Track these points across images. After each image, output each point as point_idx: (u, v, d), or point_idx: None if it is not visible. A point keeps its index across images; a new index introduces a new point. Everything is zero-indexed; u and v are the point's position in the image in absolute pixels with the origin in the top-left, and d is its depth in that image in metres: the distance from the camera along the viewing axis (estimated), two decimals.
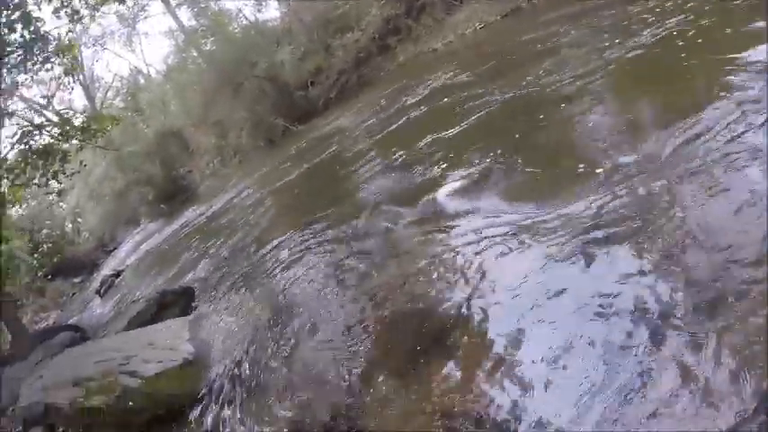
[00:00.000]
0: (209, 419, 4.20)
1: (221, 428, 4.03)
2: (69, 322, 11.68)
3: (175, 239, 13.01)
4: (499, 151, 5.60)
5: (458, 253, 4.22)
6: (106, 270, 15.95)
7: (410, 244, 4.89)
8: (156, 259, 12.38)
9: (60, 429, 4.82)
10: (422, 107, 9.53)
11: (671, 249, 3.07)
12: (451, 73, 10.46)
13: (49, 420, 4.88)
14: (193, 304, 6.67)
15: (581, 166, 4.44)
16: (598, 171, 4.23)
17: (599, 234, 3.51)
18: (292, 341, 4.53)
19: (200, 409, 4.37)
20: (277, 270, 6.22)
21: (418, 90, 10.77)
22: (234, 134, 17.63)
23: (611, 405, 2.39)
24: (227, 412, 4.15)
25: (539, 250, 3.69)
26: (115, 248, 19.94)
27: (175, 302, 6.69)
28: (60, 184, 12.06)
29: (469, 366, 3.10)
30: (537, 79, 7.10)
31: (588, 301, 3.02)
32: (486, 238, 4.19)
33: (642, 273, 3.03)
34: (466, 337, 3.33)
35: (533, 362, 2.85)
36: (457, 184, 5.45)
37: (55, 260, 20.79)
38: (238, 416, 4.04)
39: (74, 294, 17.43)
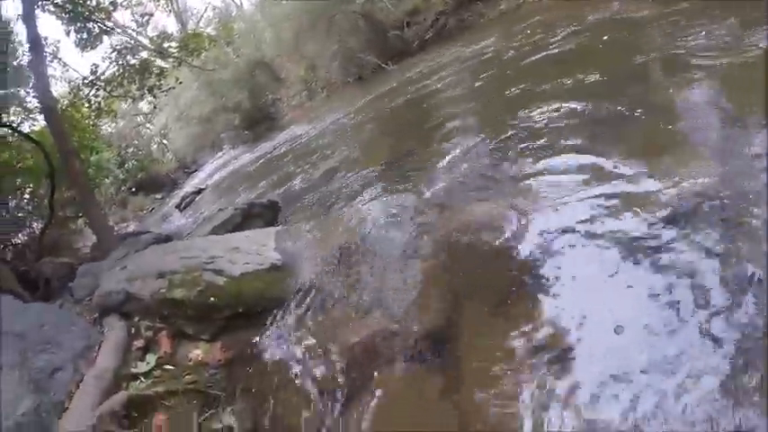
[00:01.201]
0: (290, 323, 4.00)
1: (303, 333, 3.82)
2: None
3: (258, 164, 12.93)
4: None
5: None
6: (187, 188, 16.23)
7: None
8: (238, 180, 12.38)
9: (137, 319, 4.72)
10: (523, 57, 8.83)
11: None
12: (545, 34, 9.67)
13: (128, 309, 4.79)
14: (279, 218, 6.43)
15: None
16: None
17: None
18: (378, 265, 4.28)
19: (282, 312, 4.15)
20: (363, 199, 6.00)
21: (515, 41, 10.07)
22: (324, 68, 17.31)
23: None
24: (309, 319, 3.96)
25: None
26: (196, 170, 20.36)
27: (261, 215, 6.50)
28: (156, 98, 12.22)
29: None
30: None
31: None
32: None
33: None
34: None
35: None
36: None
37: (139, 176, 21.53)
38: (322, 322, 3.86)
39: (153, 209, 17.94)
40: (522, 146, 5.24)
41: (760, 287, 2.59)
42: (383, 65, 15.45)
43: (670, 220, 3.27)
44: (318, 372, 3.36)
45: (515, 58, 9.05)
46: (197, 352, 4.13)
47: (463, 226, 4.24)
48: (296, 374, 3.44)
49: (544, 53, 8.39)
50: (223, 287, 4.31)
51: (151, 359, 4.12)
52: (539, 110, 5.86)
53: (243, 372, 3.70)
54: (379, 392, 3.05)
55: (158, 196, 19.81)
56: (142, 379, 3.86)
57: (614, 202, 3.68)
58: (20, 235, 11.47)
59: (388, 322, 3.47)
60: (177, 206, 13.60)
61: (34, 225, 12.11)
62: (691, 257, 2.95)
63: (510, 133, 5.67)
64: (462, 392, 2.80)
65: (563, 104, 5.73)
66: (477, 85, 8.75)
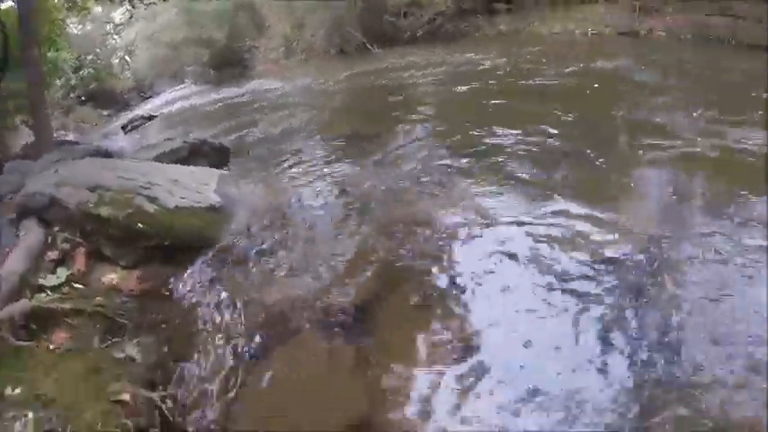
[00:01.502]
0: (215, 267, 3.93)
1: (226, 281, 3.77)
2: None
3: (218, 106, 12.54)
4: None
5: None
6: (138, 111, 15.58)
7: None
8: (193, 117, 11.97)
9: (56, 229, 4.49)
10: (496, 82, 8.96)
11: None
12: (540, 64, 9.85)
13: (50, 216, 4.54)
14: (226, 165, 6.27)
15: None
16: None
17: None
18: (311, 234, 4.37)
19: (209, 255, 4.06)
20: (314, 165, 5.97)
21: (507, 63, 10.21)
22: (310, 31, 16.95)
23: None
24: (235, 268, 3.91)
25: None
26: (151, 96, 19.55)
27: (208, 156, 6.29)
28: (134, 9, 11.65)
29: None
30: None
31: None
32: None
33: None
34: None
35: None
36: None
37: (91, 87, 20.49)
38: (247, 274, 3.83)
39: (96, 125, 17.14)
40: (484, 160, 5.30)
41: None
42: (369, 45, 15.28)
43: (601, 261, 3.41)
44: (232, 323, 3.29)
45: (503, 77, 9.17)
46: (112, 276, 3.97)
47: (402, 217, 4.29)
48: (209, 320, 3.36)
49: (533, 81, 8.54)
50: (154, 215, 4.15)
51: (62, 274, 3.91)
52: (511, 131, 5.94)
53: (155, 306, 3.58)
54: (289, 354, 3.03)
55: (105, 113, 18.88)
56: (48, 293, 3.66)
57: (554, 233, 3.79)
58: None
59: (313, 287, 3.49)
60: (123, 127, 13.01)
61: None
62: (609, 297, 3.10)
63: (475, 144, 5.73)
64: (374, 373, 2.83)
65: (533, 132, 5.83)
66: (458, 90, 8.79)
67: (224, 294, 3.56)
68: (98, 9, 18.99)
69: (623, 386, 2.53)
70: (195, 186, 4.74)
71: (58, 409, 2.47)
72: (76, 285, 3.80)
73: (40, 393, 2.61)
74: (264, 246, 4.09)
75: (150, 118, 13.28)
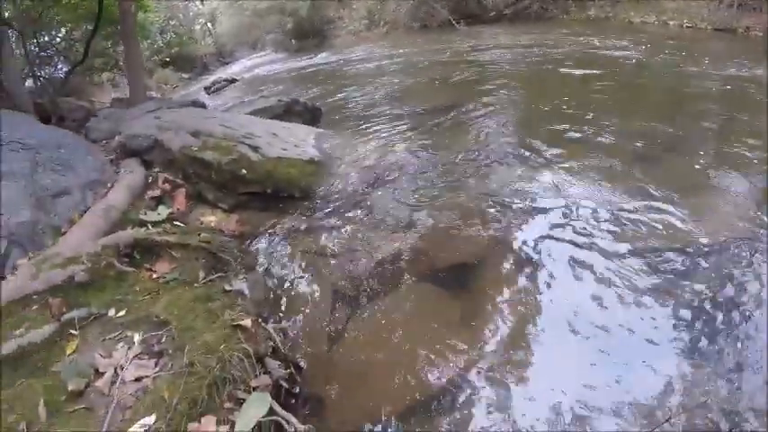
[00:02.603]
0: (317, 217, 3.89)
1: (329, 231, 3.72)
2: None
3: (299, 73, 12.55)
4: None
5: None
6: (219, 75, 15.83)
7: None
8: (275, 82, 12.01)
9: (157, 170, 4.53)
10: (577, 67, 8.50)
11: None
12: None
13: (151, 157, 4.60)
14: (317, 125, 6.20)
15: None
16: None
17: None
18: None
19: (310, 204, 4.03)
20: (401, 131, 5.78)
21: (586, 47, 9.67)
22: (393, 4, 16.73)
23: None
24: (338, 218, 3.84)
25: None
26: (231, 62, 19.83)
27: (301, 115, 6.26)
28: None
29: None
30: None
31: None
32: None
33: None
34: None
35: None
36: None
37: (174, 50, 20.97)
38: (350, 225, 3.76)
39: (177, 87, 17.52)
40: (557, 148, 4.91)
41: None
42: (454, 22, 14.94)
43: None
44: (336, 270, 3.22)
45: (589, 63, 8.70)
46: (211, 218, 3.98)
47: (481, 195, 4.09)
48: (312, 268, 3.30)
49: (617, 69, 8.07)
50: (256, 162, 4.15)
51: (163, 211, 3.95)
52: (587, 124, 5.49)
53: (256, 249, 3.55)
54: (395, 302, 2.98)
55: (186, 75, 19.30)
56: (150, 227, 3.68)
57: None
58: (44, 71, 11.26)
59: (418, 242, 3.42)
60: (206, 88, 13.22)
61: (60, 67, 11.90)
62: None
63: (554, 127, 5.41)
64: (476, 327, 2.76)
65: (613, 126, 5.42)
66: (540, 71, 8.40)
67: (325, 242, 3.48)
68: None
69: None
70: (294, 141, 4.70)
71: (172, 330, 2.44)
72: (177, 223, 3.81)
73: (150, 315, 2.60)
74: (367, 198, 4.01)
75: (233, 81, 13.43)
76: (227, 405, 2.14)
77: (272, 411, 2.12)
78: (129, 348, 2.43)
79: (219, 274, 3.01)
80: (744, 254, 3.10)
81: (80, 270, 2.90)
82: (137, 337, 2.50)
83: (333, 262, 3.32)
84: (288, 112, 6.15)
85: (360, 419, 2.35)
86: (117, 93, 13.69)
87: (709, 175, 4.14)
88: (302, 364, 2.56)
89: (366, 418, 2.35)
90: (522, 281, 3.09)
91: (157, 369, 2.29)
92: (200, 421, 2.05)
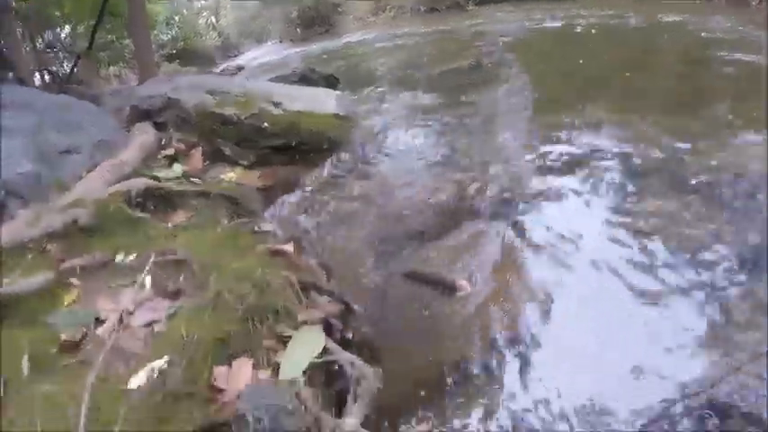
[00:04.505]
0: (347, 168, 3.64)
1: (359, 181, 3.45)
2: None
3: (309, 57, 12.25)
4: None
5: None
6: (227, 64, 15.59)
7: None
8: (285, 67, 11.68)
9: (170, 131, 4.25)
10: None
11: None
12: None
13: (164, 118, 4.33)
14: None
15: None
16: None
17: None
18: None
19: (338, 157, 3.75)
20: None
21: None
22: None
23: None
24: (367, 170, 3.60)
25: None
26: (237, 55, 19.60)
27: (318, 83, 5.97)
28: None
29: None
30: None
31: None
32: None
33: None
34: None
35: None
36: None
37: (179, 44, 20.75)
38: (379, 178, 3.50)
39: None
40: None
41: None
42: (463, 1, 14.62)
43: None
44: (375, 217, 2.93)
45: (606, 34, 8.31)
46: (231, 174, 3.69)
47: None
48: (349, 216, 3.01)
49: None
50: (278, 116, 3.88)
51: (178, 168, 3.66)
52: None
53: (284, 200, 3.27)
54: (438, 247, 2.68)
55: (193, 69, 19.09)
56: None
57: None
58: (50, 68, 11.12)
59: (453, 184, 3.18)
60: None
61: (66, 64, 11.76)
62: None
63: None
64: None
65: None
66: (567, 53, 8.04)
67: (360, 190, 3.20)
68: None
69: None
70: (314, 100, 4.42)
71: (192, 267, 2.10)
72: (193, 179, 3.52)
73: (165, 255, 2.26)
74: (392, 151, 3.77)
75: (240, 69, 13.18)
76: (267, 343, 1.77)
77: (326, 351, 1.73)
78: (138, 292, 2.09)
79: (244, 219, 2.70)
80: None
81: (84, 213, 2.58)
82: (148, 280, 2.16)
83: (370, 209, 3.03)
84: (304, 80, 5.87)
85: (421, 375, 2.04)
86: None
87: None
88: (354, 306, 2.20)
89: (425, 374, 2.04)
90: (566, 220, 2.80)
91: (173, 307, 1.95)
92: (230, 364, 1.68)
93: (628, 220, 2.77)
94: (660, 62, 6.06)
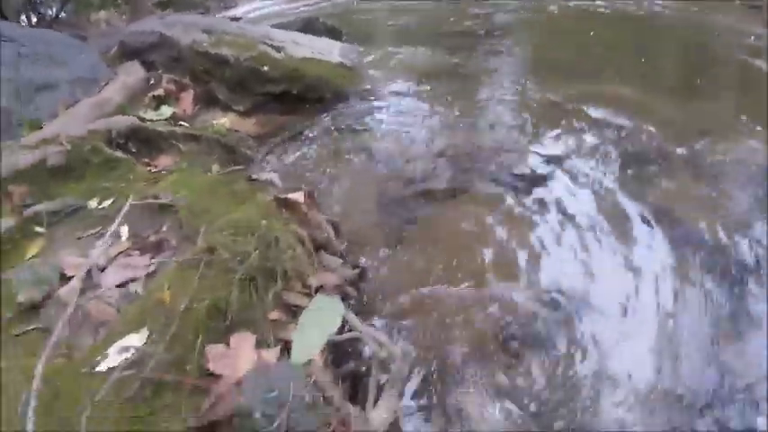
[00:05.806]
0: (352, 118, 3.32)
1: (365, 131, 3.15)
2: None
3: (309, 13, 11.75)
4: None
5: None
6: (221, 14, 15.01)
7: None
8: (283, 17, 11.25)
9: (160, 71, 3.90)
10: None
11: None
12: None
13: (155, 57, 3.97)
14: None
15: None
16: None
17: None
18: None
19: (343, 106, 3.45)
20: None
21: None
22: None
23: None
24: (373, 121, 3.30)
25: None
26: (233, 6, 18.94)
27: (321, 33, 5.55)
28: None
29: None
30: None
31: None
32: None
33: None
34: None
35: None
36: None
37: None
38: (386, 128, 3.21)
39: None
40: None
41: None
42: None
43: None
44: (382, 169, 2.66)
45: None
46: (223, 120, 3.37)
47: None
48: (353, 168, 2.73)
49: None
50: (280, 60, 3.54)
51: (166, 111, 3.33)
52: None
53: (284, 148, 2.96)
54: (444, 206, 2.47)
55: None
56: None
57: None
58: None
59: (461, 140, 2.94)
60: None
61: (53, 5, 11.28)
62: None
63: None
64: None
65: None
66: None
67: (366, 141, 2.93)
68: None
69: None
70: (318, 49, 4.08)
71: (178, 215, 1.80)
72: (182, 123, 3.20)
73: (146, 199, 1.96)
74: (399, 103, 3.49)
75: (237, 19, 12.66)
76: (274, 315, 1.44)
77: (344, 325, 1.39)
78: (111, 245, 1.76)
79: (240, 167, 2.40)
80: None
81: (55, 152, 2.26)
82: (124, 229, 1.84)
83: (377, 161, 2.75)
84: (308, 28, 5.46)
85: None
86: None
87: None
88: (367, 268, 1.91)
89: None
90: (584, 189, 2.59)
91: (154, 263, 1.64)
92: (227, 342, 1.31)
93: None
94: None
